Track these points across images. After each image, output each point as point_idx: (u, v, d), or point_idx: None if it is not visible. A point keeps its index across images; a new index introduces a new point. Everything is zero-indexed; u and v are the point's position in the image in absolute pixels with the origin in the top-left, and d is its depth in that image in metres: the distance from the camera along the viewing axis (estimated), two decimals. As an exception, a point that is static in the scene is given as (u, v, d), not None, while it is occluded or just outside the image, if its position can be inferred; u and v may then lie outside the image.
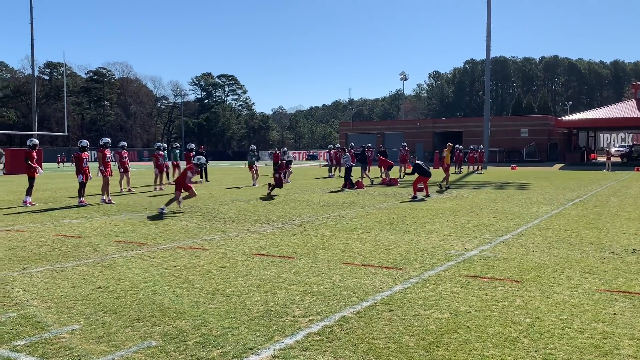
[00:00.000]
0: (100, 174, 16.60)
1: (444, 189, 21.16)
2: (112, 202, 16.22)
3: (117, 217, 12.83)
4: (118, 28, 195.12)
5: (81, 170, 15.64)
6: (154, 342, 4.58)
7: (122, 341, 4.62)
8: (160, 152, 21.76)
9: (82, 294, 6.10)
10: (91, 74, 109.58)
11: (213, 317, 5.22)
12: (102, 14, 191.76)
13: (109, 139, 17.66)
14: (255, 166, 24.50)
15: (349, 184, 21.92)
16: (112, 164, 17.84)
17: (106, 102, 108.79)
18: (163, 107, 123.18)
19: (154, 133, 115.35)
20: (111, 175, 16.78)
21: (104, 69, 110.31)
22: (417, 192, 17.31)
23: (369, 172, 26.59)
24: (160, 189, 21.05)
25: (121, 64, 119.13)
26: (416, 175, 17.51)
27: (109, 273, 7.08)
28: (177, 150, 25.37)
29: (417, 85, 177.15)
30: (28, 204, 15.42)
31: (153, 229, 10.99)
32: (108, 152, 17.16)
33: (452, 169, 32.75)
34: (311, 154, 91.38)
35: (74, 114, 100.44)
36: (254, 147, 26.86)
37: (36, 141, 16.18)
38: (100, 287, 6.36)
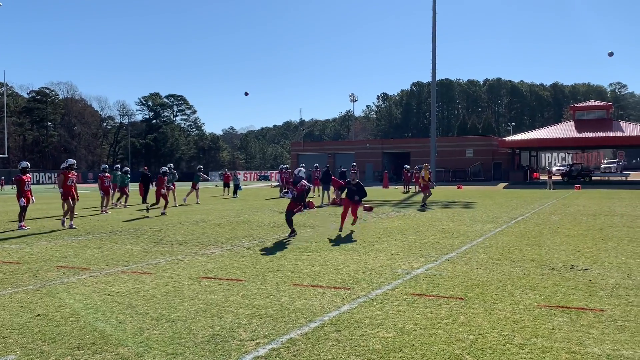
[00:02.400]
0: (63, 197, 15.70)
1: (422, 206, 21.72)
2: (74, 226, 15.30)
3: (59, 242, 12.41)
4: (62, 47, 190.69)
5: (22, 194, 15.07)
6: (94, 371, 4.43)
7: (61, 371, 4.45)
8: (107, 175, 21.37)
9: (19, 322, 5.85)
10: (34, 93, 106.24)
11: (157, 344, 5.10)
12: (45, 33, 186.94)
13: (74, 161, 16.67)
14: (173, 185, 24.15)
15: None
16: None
17: (49, 123, 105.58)
18: (109, 127, 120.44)
19: (100, 154, 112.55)
20: (77, 199, 16.06)
21: (47, 88, 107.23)
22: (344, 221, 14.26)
23: (328, 192, 26.64)
24: (105, 212, 20.51)
25: (65, 83, 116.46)
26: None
27: (49, 300, 6.83)
28: (127, 174, 24.67)
29: (367, 106, 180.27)
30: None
31: (96, 253, 10.68)
32: (73, 175, 16.31)
33: (400, 189, 33.26)
34: (262, 174, 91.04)
35: (15, 135, 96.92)
36: (171, 165, 25.82)
37: None
38: (39, 315, 6.12)
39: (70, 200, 15.51)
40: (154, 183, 22.56)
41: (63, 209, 15.62)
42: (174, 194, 24.53)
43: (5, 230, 14.94)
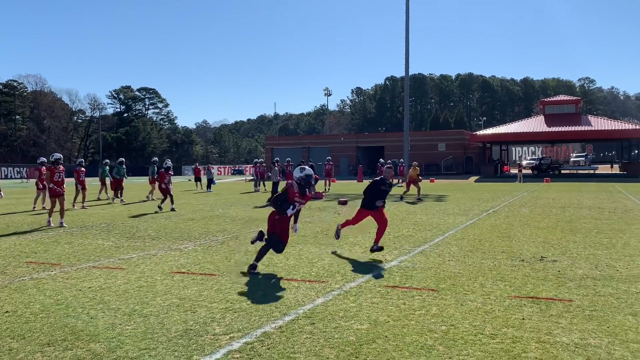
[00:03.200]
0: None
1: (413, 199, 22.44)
2: (64, 224, 14.32)
3: (28, 237, 12.17)
4: (30, 39, 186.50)
5: None
6: (65, 368, 4.37)
7: (30, 368, 4.38)
8: (83, 169, 21.02)
9: (-13, 319, 5.73)
10: (1, 86, 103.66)
11: (129, 339, 5.05)
12: (12, 24, 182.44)
13: (60, 155, 16.01)
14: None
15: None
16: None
17: (18, 116, 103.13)
18: (80, 121, 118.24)
19: (70, 148, 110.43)
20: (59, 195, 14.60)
21: (15, 81, 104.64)
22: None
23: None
24: (83, 207, 20.08)
25: (34, 76, 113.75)
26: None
27: (18, 296, 6.70)
28: (123, 167, 24.73)
29: (341, 100, 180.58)
30: None
31: (67, 248, 10.51)
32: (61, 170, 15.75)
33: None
34: (237, 168, 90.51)
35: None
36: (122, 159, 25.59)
37: None
38: (7, 312, 6.01)
39: (58, 198, 14.30)
40: (157, 177, 21.84)
41: (49, 207, 14.64)
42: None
43: (-29, 226, 14.59)
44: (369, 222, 10.01)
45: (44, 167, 19.14)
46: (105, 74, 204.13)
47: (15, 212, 18.49)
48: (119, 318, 5.73)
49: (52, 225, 14.14)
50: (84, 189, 20.49)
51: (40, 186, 19.39)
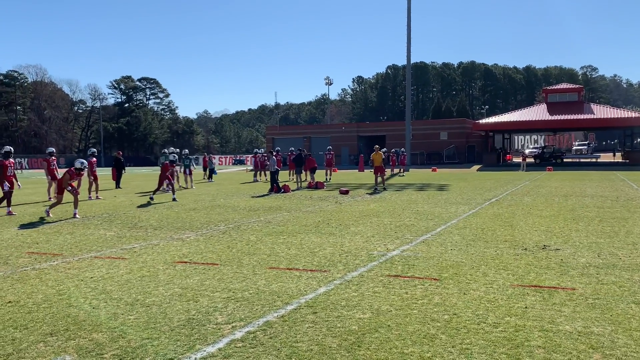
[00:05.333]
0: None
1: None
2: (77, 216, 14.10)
3: (30, 228, 12.18)
4: (31, 29, 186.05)
5: (5, 179, 14.64)
6: (68, 357, 4.38)
7: (34, 357, 4.39)
8: (94, 159, 21.14)
9: (-11, 310, 5.74)
10: (1, 77, 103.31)
11: (132, 329, 5.05)
12: (12, 15, 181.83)
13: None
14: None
15: (275, 188, 21.88)
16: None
17: (18, 107, 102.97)
18: (80, 111, 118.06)
19: (71, 139, 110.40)
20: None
21: (16, 72, 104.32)
22: None
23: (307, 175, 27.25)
24: (97, 197, 20.01)
25: (34, 66, 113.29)
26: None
27: (20, 287, 6.71)
28: (190, 158, 26.58)
29: (342, 89, 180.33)
30: None
31: (69, 239, 10.52)
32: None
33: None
34: (237, 158, 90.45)
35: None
36: (186, 150, 26.88)
37: None
38: (10, 302, 6.01)
39: (70, 191, 14.22)
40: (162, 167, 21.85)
41: (57, 199, 14.52)
42: (190, 177, 26.14)
43: (-27, 216, 14.60)
44: None
45: (53, 158, 19.15)
46: (106, 64, 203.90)
47: (19, 204, 18.49)
48: (121, 308, 5.73)
49: (50, 215, 14.16)
50: (95, 179, 20.43)
51: (49, 177, 19.33)
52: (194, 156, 55.40)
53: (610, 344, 4.53)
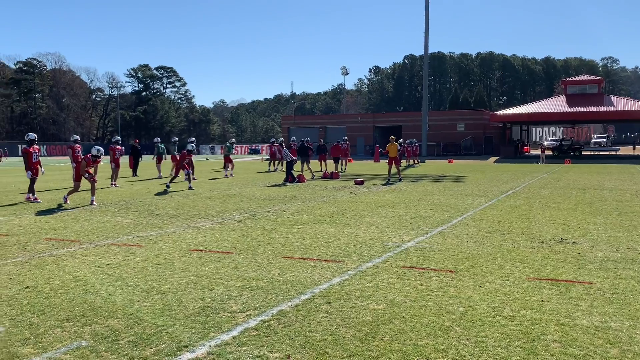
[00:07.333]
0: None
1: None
2: (95, 203, 14.20)
3: (47, 214, 12.32)
4: (50, 17, 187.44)
5: (30, 166, 14.84)
6: (84, 343, 4.42)
7: (50, 342, 4.44)
8: (118, 147, 21.20)
9: (8, 294, 5.82)
10: (21, 64, 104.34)
11: (147, 315, 5.09)
12: (32, 2, 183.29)
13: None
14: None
15: (290, 177, 21.90)
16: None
17: (37, 95, 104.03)
18: (98, 99, 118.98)
19: (89, 126, 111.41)
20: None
21: (35, 59, 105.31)
22: None
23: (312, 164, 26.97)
24: (114, 185, 20.14)
25: (53, 54, 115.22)
26: None
27: (38, 272, 6.79)
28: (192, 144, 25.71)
29: (358, 79, 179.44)
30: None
31: (86, 225, 10.62)
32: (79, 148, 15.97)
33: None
34: (253, 148, 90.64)
35: (2, 107, 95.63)
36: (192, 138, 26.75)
37: None
38: (27, 287, 6.09)
39: (88, 179, 14.40)
40: (177, 155, 21.94)
41: (74, 186, 14.70)
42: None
43: (12, 203, 14.81)
44: None
45: (78, 145, 19.31)
46: (123, 53, 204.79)
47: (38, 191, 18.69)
48: (137, 295, 5.78)
49: (68, 202, 14.35)
50: (117, 167, 20.57)
51: (75, 164, 19.48)
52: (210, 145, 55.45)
53: (629, 339, 4.47)
